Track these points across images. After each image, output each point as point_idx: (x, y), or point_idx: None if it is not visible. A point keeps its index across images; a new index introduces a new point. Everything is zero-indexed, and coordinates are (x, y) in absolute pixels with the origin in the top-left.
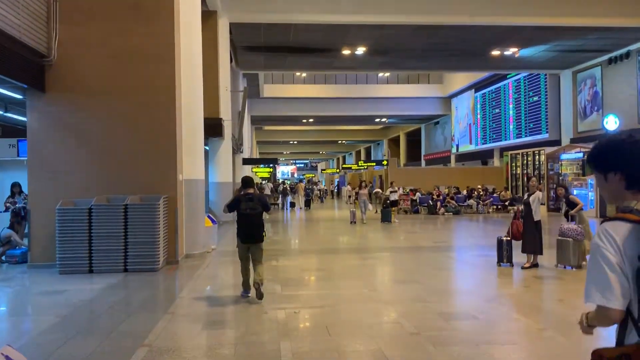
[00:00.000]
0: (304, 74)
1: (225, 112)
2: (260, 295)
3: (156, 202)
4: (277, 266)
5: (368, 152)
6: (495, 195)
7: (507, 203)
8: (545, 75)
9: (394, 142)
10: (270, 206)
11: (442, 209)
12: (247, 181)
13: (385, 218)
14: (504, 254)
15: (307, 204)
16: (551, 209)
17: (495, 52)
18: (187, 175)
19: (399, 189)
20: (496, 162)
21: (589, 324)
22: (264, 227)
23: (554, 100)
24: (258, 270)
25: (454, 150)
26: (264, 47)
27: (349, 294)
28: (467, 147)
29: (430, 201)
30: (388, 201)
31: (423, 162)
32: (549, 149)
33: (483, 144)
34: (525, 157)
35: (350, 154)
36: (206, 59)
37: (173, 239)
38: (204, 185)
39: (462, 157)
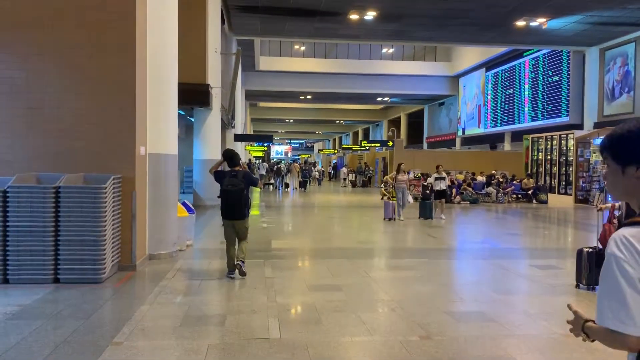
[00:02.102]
0: (302, 47)
1: (214, 78)
2: (242, 273)
3: (102, 184)
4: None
5: (366, 133)
6: (516, 182)
7: (530, 192)
8: (569, 52)
9: (394, 123)
10: (257, 181)
11: (458, 197)
12: (230, 156)
13: (425, 213)
14: (583, 273)
15: (303, 185)
16: (579, 199)
17: (521, 23)
18: (152, 148)
19: (449, 174)
20: (507, 146)
21: (589, 337)
22: (248, 204)
23: (577, 80)
24: (241, 247)
25: (459, 133)
26: (261, 8)
27: None
28: (475, 131)
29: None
30: (428, 191)
31: (425, 145)
32: (579, 133)
33: (493, 126)
34: (549, 141)
35: (348, 134)
36: (191, 14)
37: (128, 235)
38: (177, 162)
39: (469, 141)
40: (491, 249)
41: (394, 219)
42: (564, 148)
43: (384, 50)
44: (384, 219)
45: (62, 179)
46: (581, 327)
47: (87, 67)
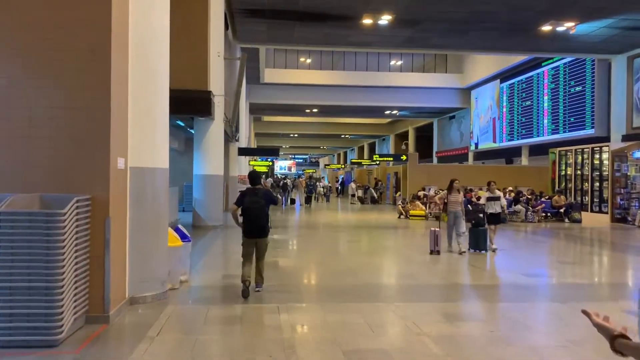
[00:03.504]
0: (309, 59)
1: (217, 86)
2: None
3: (60, 209)
4: None
5: (372, 147)
6: (544, 199)
7: (561, 210)
8: (593, 61)
9: (401, 137)
10: (277, 200)
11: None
12: (253, 176)
13: (478, 243)
14: None
15: (308, 200)
16: (617, 219)
17: (547, 28)
18: (135, 160)
19: (506, 193)
20: (524, 160)
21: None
22: (269, 221)
23: (602, 90)
24: (259, 267)
25: (472, 147)
26: (268, 12)
27: None
28: (489, 145)
29: (469, 206)
30: (480, 213)
31: (435, 160)
32: (615, 146)
33: (509, 140)
34: (580, 155)
35: (353, 149)
36: (191, 15)
37: (99, 275)
38: (167, 179)
39: (482, 155)
40: (555, 285)
41: (437, 252)
42: (597, 162)
43: (393, 62)
44: (431, 252)
45: (5, 201)
46: (611, 342)
47: (43, 52)
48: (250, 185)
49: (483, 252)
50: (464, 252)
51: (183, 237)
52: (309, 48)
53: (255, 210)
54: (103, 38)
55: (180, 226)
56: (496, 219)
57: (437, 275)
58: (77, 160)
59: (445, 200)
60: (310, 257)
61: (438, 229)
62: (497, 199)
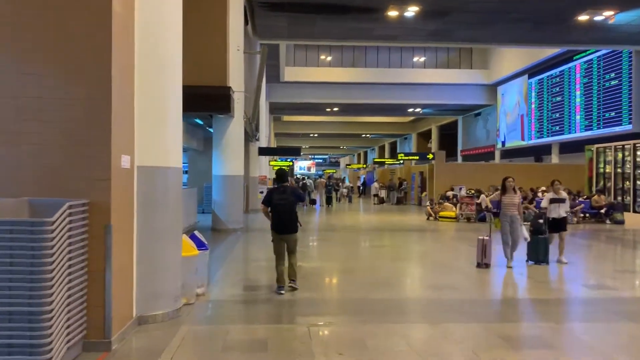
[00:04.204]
0: (329, 57)
1: (236, 81)
2: (294, 289)
3: (50, 216)
4: None
5: (393, 147)
6: (582, 199)
7: (602, 211)
8: (630, 53)
9: (424, 136)
10: (304, 197)
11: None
12: (280, 174)
13: (538, 254)
14: None
15: (329, 201)
16: None
17: (583, 17)
18: (143, 159)
19: (541, 193)
20: (554, 158)
21: None
22: (297, 217)
23: None
24: (292, 262)
25: (499, 145)
26: (288, 5)
27: None
28: (517, 142)
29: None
30: (539, 218)
31: (459, 158)
32: None
33: (539, 137)
34: (620, 152)
35: (373, 149)
36: (210, 8)
37: (99, 293)
38: (181, 180)
39: (509, 153)
40: (625, 300)
41: (486, 265)
42: None
43: (416, 58)
44: (478, 265)
45: None
46: None
47: (33, 32)
48: (276, 184)
49: (543, 264)
50: (512, 266)
51: (199, 244)
52: (330, 43)
53: (284, 206)
54: (103, 20)
55: (196, 232)
56: (560, 225)
57: (484, 288)
58: (72, 158)
59: (498, 202)
60: (339, 265)
61: (487, 237)
62: (563, 201)
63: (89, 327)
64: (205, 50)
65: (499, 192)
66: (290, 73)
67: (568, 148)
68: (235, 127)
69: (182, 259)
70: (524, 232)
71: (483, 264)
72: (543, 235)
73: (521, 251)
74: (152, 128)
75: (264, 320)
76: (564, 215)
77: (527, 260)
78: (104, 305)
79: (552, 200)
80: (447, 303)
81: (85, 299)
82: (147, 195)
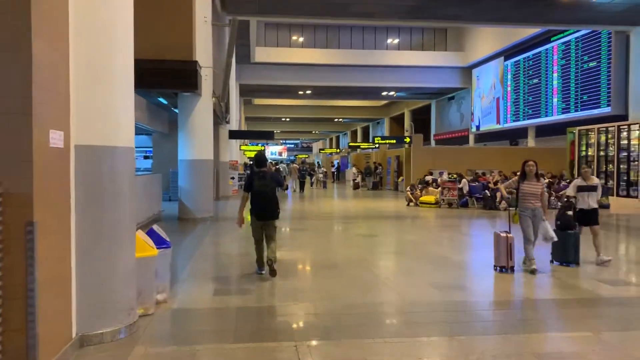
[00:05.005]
0: (301, 38)
1: (204, 55)
2: (273, 273)
3: None
4: None
5: (366, 131)
6: (567, 183)
7: None
8: (609, 34)
9: (396, 120)
10: (283, 182)
11: (504, 203)
12: (259, 159)
13: (567, 253)
14: None
15: (302, 186)
16: None
17: None
18: (85, 137)
19: (558, 179)
20: (530, 142)
21: None
22: (278, 204)
23: (619, 66)
24: (272, 247)
25: (473, 129)
26: None
27: None
28: (492, 126)
29: (487, 191)
30: (568, 210)
31: (432, 143)
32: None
33: (515, 121)
34: (604, 135)
35: (346, 134)
36: None
37: (18, 312)
38: (134, 163)
39: (484, 137)
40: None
41: (512, 269)
42: (626, 141)
43: (390, 40)
44: (495, 268)
45: None
46: None
47: None
48: (255, 168)
49: (572, 266)
50: (535, 268)
51: (160, 242)
52: (303, 19)
53: (266, 193)
54: None
55: (155, 227)
56: (591, 217)
57: (498, 288)
58: None
59: (515, 188)
60: (327, 260)
61: (510, 234)
62: (593, 189)
63: (5, 357)
64: (169, 21)
65: (516, 178)
66: (262, 53)
67: (545, 131)
68: (203, 106)
69: (137, 261)
70: (549, 229)
71: (509, 267)
72: (573, 231)
73: (539, 250)
74: (94, 99)
75: (240, 337)
76: (595, 206)
77: (551, 261)
78: (26, 327)
79: (580, 189)
80: (457, 308)
81: (0, 321)
82: (89, 182)
